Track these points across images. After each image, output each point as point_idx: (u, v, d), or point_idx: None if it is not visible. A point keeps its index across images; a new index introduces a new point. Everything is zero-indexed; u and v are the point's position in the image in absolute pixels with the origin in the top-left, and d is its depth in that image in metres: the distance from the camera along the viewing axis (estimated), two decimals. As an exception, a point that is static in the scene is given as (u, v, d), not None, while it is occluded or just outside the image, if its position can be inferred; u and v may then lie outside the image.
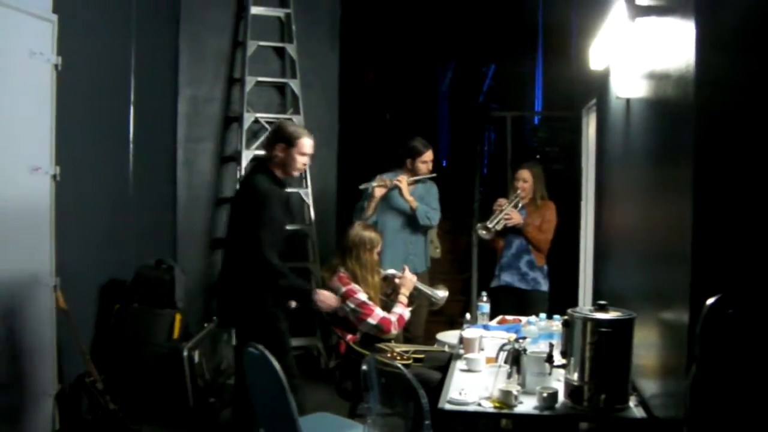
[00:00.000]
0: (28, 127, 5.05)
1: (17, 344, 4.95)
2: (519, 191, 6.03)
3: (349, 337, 5.00)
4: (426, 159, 6.54)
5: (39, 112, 5.14)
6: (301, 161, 4.90)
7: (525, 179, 6.03)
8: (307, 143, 4.88)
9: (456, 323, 6.23)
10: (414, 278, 5.28)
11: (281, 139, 4.85)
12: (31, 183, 5.08)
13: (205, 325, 6.41)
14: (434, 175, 6.56)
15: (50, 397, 5.29)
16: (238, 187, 5.33)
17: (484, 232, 6.06)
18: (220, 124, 7.81)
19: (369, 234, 5.23)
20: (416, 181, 6.46)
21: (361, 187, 6.38)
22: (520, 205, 6.04)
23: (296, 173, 5.09)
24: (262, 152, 7.33)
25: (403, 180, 6.37)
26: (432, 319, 6.79)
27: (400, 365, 3.83)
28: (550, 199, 6.17)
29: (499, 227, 6.01)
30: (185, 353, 5.78)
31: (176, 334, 6.04)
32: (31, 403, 5.08)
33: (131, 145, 6.60)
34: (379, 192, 6.40)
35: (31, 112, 5.08)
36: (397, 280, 5.23)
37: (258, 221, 4.66)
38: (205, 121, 7.77)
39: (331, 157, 8.13)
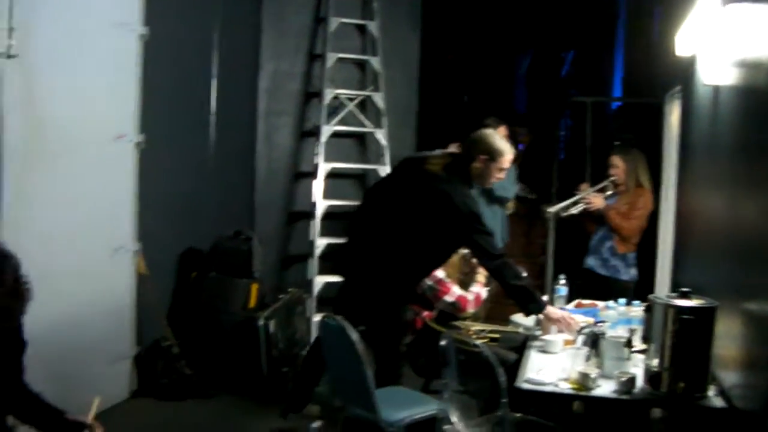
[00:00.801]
0: (113, 95, 5.17)
1: (99, 307, 5.09)
2: (613, 177, 5.95)
3: (426, 313, 5.02)
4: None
5: (124, 81, 5.26)
6: (498, 176, 4.67)
7: (615, 165, 5.92)
8: (508, 159, 4.63)
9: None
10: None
11: (484, 151, 4.57)
12: (115, 150, 5.20)
13: (281, 296, 6.48)
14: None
15: (128, 359, 5.44)
16: (399, 176, 5.04)
17: (548, 215, 6.11)
18: (300, 99, 7.86)
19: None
20: None
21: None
22: (610, 191, 5.95)
23: (488, 186, 5.13)
24: (341, 127, 7.46)
25: None
26: (506, 301, 6.77)
27: (479, 343, 3.85)
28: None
29: (576, 211, 5.98)
30: (261, 322, 5.85)
31: (252, 303, 6.14)
32: (110, 363, 5.23)
33: (213, 117, 6.69)
34: None
35: (117, 81, 5.20)
36: (474, 260, 5.22)
37: (473, 235, 4.45)
38: (286, 95, 7.83)
39: (410, 137, 8.12)
